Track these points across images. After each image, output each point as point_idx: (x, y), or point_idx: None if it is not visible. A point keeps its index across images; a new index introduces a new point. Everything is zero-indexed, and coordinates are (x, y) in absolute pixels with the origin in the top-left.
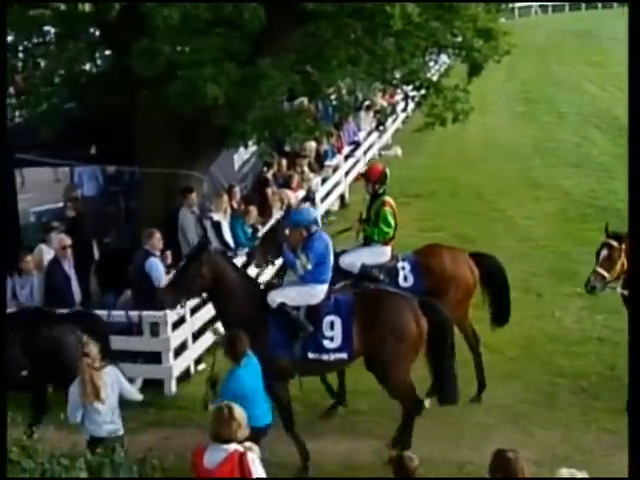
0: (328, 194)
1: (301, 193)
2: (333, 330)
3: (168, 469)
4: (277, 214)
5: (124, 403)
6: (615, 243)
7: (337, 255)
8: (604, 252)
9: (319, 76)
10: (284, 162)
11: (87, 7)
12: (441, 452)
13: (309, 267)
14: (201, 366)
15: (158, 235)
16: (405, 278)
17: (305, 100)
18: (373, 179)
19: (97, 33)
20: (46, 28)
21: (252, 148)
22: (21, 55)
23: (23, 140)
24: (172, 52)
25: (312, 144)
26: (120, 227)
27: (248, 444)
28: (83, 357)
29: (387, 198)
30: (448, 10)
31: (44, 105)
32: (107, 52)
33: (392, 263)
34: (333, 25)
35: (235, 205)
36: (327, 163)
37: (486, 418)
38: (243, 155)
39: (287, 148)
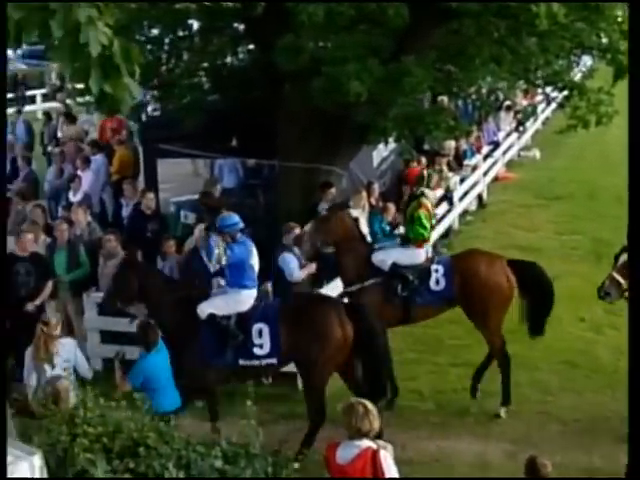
0: (466, 194)
1: (439, 192)
2: (261, 337)
3: (300, 461)
4: None
5: (258, 396)
6: None
7: (372, 251)
8: (623, 257)
9: (461, 74)
10: (423, 160)
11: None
12: (572, 458)
13: (223, 261)
14: None
15: (297, 230)
16: (437, 281)
17: (445, 98)
18: (411, 182)
19: (241, 28)
20: (190, 22)
21: (391, 145)
22: (166, 48)
23: (165, 132)
24: (315, 48)
25: (451, 143)
26: (258, 220)
27: (382, 442)
28: (40, 323)
29: (424, 200)
30: (594, 11)
31: (187, 97)
32: (250, 46)
33: (426, 265)
34: (477, 23)
35: (373, 202)
36: (466, 162)
37: (623, 427)
38: (382, 152)
39: (426, 146)
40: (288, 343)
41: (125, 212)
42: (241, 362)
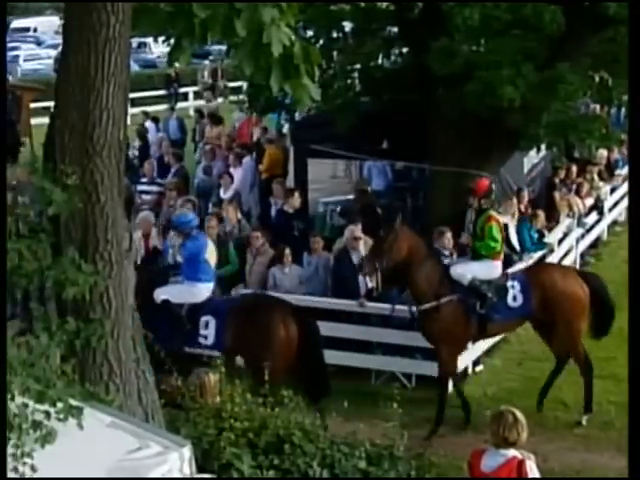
0: (616, 204)
1: (589, 201)
2: (207, 329)
3: (441, 466)
4: (564, 220)
5: (402, 399)
6: None
7: (447, 266)
8: None
9: (615, 82)
10: (574, 168)
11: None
12: None
13: (178, 258)
14: (479, 367)
15: (449, 235)
16: (514, 297)
17: (597, 106)
18: (480, 194)
19: (395, 30)
20: (343, 23)
21: (542, 152)
22: (320, 49)
23: (317, 132)
24: (469, 52)
25: (603, 152)
26: (406, 223)
27: (526, 453)
28: None
29: (492, 213)
30: None
31: (340, 98)
32: (404, 49)
33: (502, 281)
34: None
35: (522, 209)
36: (617, 172)
37: None
38: (533, 159)
39: (576, 154)
40: (233, 340)
41: (274, 211)
42: (186, 349)
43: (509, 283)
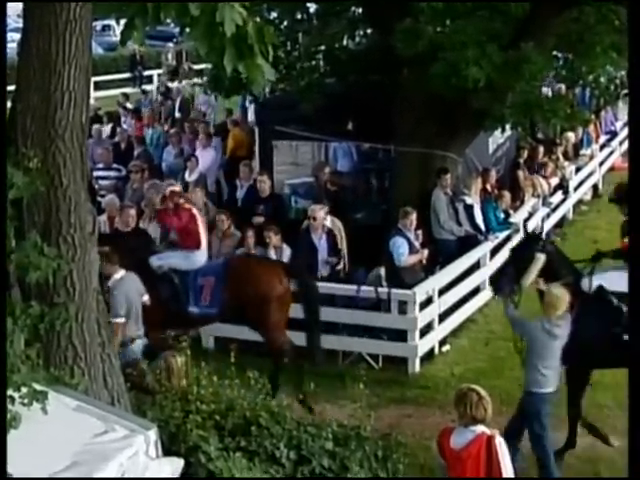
0: (581, 183)
1: (554, 181)
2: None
3: (408, 446)
4: (530, 200)
5: (369, 380)
6: None
7: None
8: None
9: (579, 62)
10: (539, 148)
11: None
12: None
13: None
14: (445, 347)
15: (413, 216)
16: None
17: (563, 86)
18: None
19: (359, 11)
20: (308, 4)
21: (507, 132)
22: (284, 30)
23: (281, 113)
24: (434, 33)
25: (571, 134)
26: (371, 204)
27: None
28: None
29: None
30: None
31: (305, 80)
32: (368, 30)
33: None
34: (597, 11)
35: (489, 189)
36: (582, 152)
37: None
38: (498, 139)
39: (540, 134)
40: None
41: (240, 193)
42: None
43: None
